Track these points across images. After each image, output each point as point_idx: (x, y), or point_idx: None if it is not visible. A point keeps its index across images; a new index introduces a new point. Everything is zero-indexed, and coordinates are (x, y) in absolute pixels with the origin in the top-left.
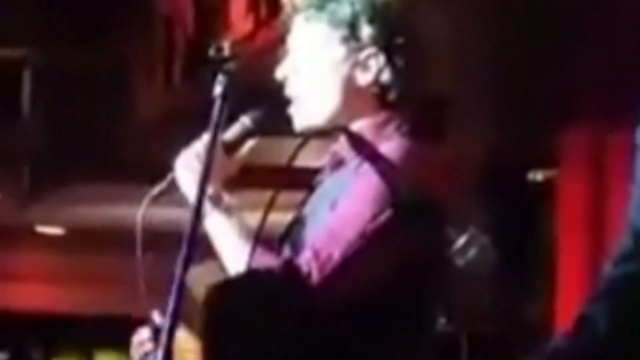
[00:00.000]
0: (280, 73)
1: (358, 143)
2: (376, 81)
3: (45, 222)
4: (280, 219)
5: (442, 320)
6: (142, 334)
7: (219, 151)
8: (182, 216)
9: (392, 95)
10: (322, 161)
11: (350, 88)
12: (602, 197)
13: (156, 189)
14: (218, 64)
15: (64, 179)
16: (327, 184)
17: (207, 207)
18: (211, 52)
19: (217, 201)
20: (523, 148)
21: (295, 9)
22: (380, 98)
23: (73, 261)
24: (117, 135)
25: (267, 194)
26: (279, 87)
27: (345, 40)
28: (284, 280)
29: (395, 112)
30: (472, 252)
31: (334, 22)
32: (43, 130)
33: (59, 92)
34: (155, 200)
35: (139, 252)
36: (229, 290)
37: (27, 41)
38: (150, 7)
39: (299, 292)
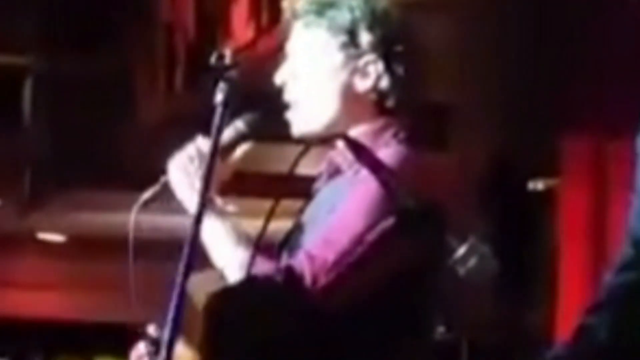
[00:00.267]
0: (278, 78)
1: (356, 150)
2: (375, 88)
3: (46, 229)
4: (278, 226)
5: (442, 329)
6: (141, 349)
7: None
8: (175, 223)
9: (390, 102)
10: (319, 168)
11: (348, 94)
12: (603, 206)
13: (148, 192)
14: (219, 72)
15: (65, 186)
16: (325, 191)
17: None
18: (212, 59)
19: (208, 204)
20: (524, 157)
21: (295, 15)
22: (379, 104)
23: (74, 268)
24: (118, 142)
25: (267, 202)
26: (277, 92)
27: (345, 46)
28: (283, 288)
29: (394, 119)
30: (472, 261)
31: (333, 29)
32: (44, 137)
33: (60, 99)
34: (148, 205)
35: (130, 258)
36: (229, 297)
37: (29, 49)
38: (152, 15)
39: (298, 299)
